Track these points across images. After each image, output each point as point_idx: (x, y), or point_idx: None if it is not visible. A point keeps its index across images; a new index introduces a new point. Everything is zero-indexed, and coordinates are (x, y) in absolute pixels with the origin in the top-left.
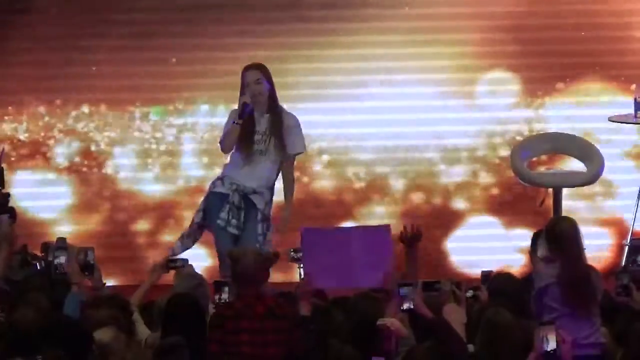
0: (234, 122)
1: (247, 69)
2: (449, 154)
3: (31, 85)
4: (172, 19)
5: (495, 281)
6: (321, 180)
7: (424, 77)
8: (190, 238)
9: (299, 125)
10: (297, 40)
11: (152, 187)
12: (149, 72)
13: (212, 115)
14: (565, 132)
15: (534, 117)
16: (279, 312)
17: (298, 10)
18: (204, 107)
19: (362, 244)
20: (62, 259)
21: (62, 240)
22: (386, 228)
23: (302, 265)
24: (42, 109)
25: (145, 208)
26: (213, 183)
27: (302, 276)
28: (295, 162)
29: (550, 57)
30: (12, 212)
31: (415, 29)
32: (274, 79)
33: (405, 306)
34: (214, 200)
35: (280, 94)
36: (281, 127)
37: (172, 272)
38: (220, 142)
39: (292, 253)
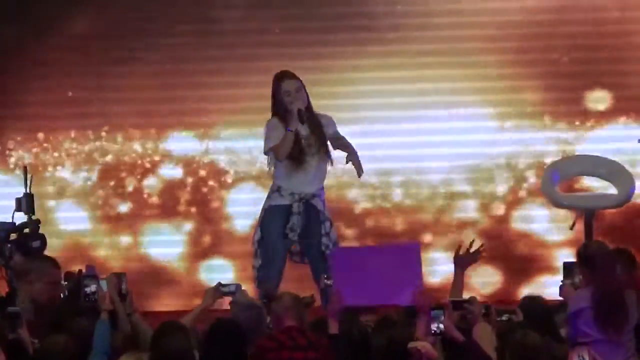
0: (289, 130)
1: (282, 78)
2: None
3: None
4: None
5: (525, 304)
6: None
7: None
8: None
9: (333, 120)
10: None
11: None
12: None
13: None
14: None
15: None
16: (318, 344)
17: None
18: None
19: (392, 261)
20: (92, 287)
21: (91, 268)
22: (416, 245)
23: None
24: None
25: None
26: (269, 197)
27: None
28: None
29: None
30: (42, 238)
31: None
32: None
33: (436, 328)
34: (271, 213)
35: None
36: (321, 127)
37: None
38: (273, 151)
39: (325, 280)
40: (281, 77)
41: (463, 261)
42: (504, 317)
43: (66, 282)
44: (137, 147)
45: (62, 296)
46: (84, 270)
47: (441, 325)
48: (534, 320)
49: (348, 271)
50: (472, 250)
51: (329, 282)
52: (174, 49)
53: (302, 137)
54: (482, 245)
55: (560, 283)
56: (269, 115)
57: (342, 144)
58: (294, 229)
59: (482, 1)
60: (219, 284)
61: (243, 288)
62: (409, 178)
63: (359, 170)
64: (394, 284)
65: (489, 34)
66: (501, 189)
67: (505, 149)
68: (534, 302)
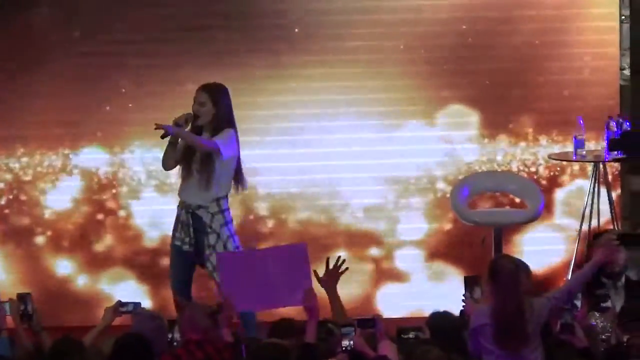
0: (166, 139)
1: (199, 88)
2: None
3: None
4: None
5: (433, 319)
6: None
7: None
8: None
9: (232, 133)
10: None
11: None
12: None
13: None
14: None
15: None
16: (217, 357)
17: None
18: None
19: (280, 263)
20: None
21: None
22: (302, 246)
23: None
24: None
25: None
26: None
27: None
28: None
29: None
30: None
31: None
32: None
33: (346, 345)
34: (175, 223)
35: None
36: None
37: None
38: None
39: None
40: (199, 87)
41: (327, 282)
42: (411, 335)
43: None
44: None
45: None
46: None
47: (351, 342)
48: (441, 336)
49: (236, 276)
50: (330, 267)
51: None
52: None
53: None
54: (340, 260)
55: (462, 297)
56: None
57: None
58: (179, 236)
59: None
60: (119, 302)
61: (142, 306)
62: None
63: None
64: (284, 286)
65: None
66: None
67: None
68: (442, 318)
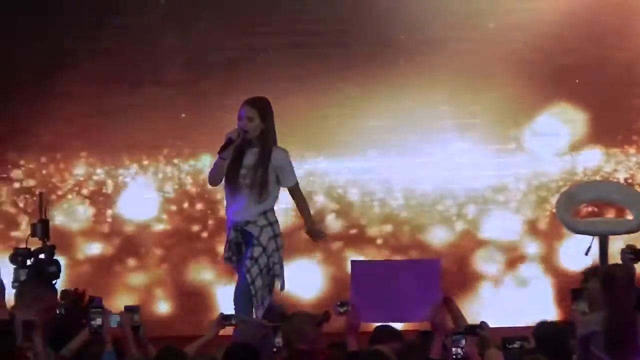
0: (220, 157)
1: (245, 102)
2: None
3: None
4: None
5: (539, 329)
6: None
7: None
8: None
9: (288, 158)
10: None
11: None
12: None
13: None
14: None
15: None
16: None
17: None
18: None
19: (411, 277)
20: (98, 321)
21: (99, 299)
22: (437, 262)
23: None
24: None
25: None
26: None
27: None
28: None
29: None
30: (57, 264)
31: None
32: None
33: (456, 353)
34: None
35: None
36: (268, 161)
37: None
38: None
39: (338, 307)
40: (245, 101)
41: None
42: (516, 344)
43: (63, 301)
44: None
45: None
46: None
47: (461, 350)
48: (547, 346)
49: (366, 286)
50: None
51: (341, 309)
52: None
53: (243, 166)
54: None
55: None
56: None
57: (296, 202)
58: (227, 256)
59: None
60: (222, 315)
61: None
62: None
63: (308, 226)
64: (413, 300)
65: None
66: None
67: None
68: (548, 327)
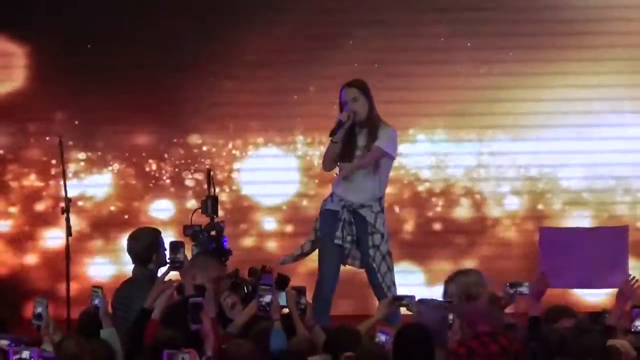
0: (332, 141)
1: (344, 86)
2: None
3: None
4: None
5: None
6: None
7: None
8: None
9: (394, 134)
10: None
11: None
12: None
13: None
14: None
15: None
16: (511, 350)
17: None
18: None
19: (599, 244)
20: (267, 298)
21: (268, 277)
22: (625, 228)
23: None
24: None
25: None
26: (325, 200)
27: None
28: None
29: None
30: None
31: None
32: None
33: (637, 327)
34: (326, 217)
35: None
36: (377, 139)
37: None
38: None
39: (508, 288)
40: (344, 85)
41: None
42: None
43: (250, 277)
44: None
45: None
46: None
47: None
48: None
49: (556, 253)
50: None
51: (511, 290)
52: None
53: (358, 147)
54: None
55: None
56: None
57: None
58: (340, 235)
59: None
60: (393, 296)
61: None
62: None
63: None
64: (603, 267)
65: None
66: None
67: None
68: None
